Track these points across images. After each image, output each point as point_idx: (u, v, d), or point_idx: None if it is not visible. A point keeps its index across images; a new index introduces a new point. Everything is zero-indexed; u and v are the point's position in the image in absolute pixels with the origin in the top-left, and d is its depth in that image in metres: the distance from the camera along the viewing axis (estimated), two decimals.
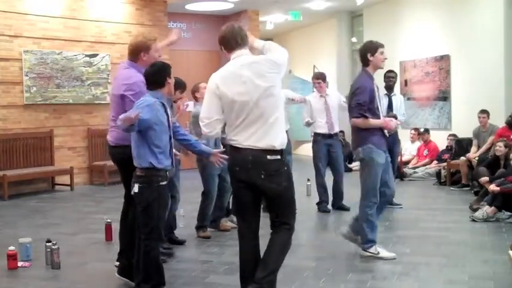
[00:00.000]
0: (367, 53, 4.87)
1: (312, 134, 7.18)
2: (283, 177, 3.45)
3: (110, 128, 4.25)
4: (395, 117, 7.02)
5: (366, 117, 4.74)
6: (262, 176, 3.41)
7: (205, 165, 5.63)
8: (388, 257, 4.85)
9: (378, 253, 4.86)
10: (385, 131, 4.88)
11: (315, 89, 7.28)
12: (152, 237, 3.81)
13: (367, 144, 4.78)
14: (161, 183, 3.81)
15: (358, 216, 4.96)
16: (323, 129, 6.99)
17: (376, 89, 4.87)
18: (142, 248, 3.81)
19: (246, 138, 3.41)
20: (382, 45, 4.94)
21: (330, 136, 7.04)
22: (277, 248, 3.51)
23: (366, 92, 4.74)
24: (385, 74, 7.30)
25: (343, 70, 12.92)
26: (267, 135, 3.38)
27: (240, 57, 3.47)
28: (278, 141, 3.41)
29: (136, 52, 4.12)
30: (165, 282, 3.95)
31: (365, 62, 4.90)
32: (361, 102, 4.73)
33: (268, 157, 3.39)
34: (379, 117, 4.83)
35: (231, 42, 3.50)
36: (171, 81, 3.92)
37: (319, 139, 7.04)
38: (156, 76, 3.83)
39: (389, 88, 7.22)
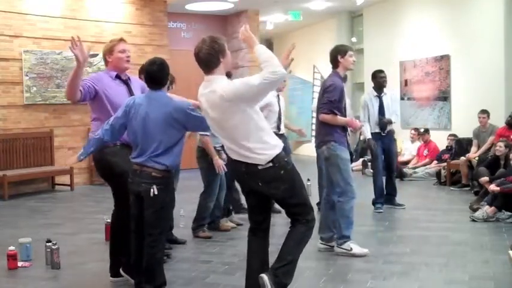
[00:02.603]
0: (338, 54, 5.06)
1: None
2: (281, 181, 3.42)
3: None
4: (389, 122, 7.07)
5: (335, 114, 4.89)
6: (260, 184, 3.45)
7: (211, 163, 5.64)
8: (360, 254, 4.89)
9: (351, 249, 4.91)
10: (349, 130, 5.11)
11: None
12: (161, 239, 3.81)
13: (330, 141, 4.92)
14: (172, 185, 3.85)
15: (324, 216, 5.12)
16: None
17: (344, 89, 5.07)
18: (149, 249, 3.77)
19: (235, 157, 3.49)
20: (351, 49, 5.18)
21: None
22: (293, 239, 3.52)
23: (337, 90, 4.93)
24: (375, 75, 7.21)
25: None
26: (251, 156, 3.40)
27: (205, 83, 3.47)
28: (263, 158, 3.38)
29: (104, 57, 4.33)
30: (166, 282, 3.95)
31: (335, 64, 5.09)
32: (332, 100, 4.90)
33: (260, 167, 3.40)
34: (345, 116, 5.01)
35: (201, 66, 3.48)
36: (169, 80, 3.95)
37: None
38: (159, 76, 3.80)
39: (379, 88, 7.16)
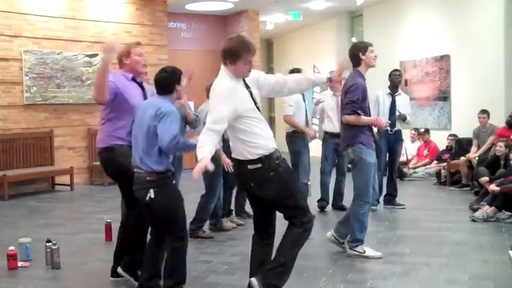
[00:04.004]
0: (359, 52, 4.89)
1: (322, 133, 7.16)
2: (271, 183, 3.42)
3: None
4: (404, 118, 7.07)
5: (359, 114, 4.78)
6: (252, 185, 3.47)
7: (216, 165, 5.60)
8: (374, 256, 4.87)
9: (364, 252, 4.89)
10: (374, 129, 5.02)
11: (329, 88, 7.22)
12: (180, 236, 3.81)
13: (356, 144, 4.82)
14: (173, 182, 3.84)
15: (350, 214, 5.02)
16: (332, 128, 6.97)
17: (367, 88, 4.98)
18: (170, 247, 3.80)
19: (233, 154, 3.55)
20: (371, 44, 4.99)
21: (338, 135, 7.04)
22: (287, 241, 3.51)
23: (359, 90, 4.80)
24: (391, 73, 7.28)
25: None
26: (242, 151, 3.43)
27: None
28: (251, 154, 3.41)
29: (119, 58, 4.28)
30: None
31: (357, 62, 4.93)
32: (354, 100, 4.78)
33: (249, 167, 3.42)
34: (369, 116, 4.92)
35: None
36: (181, 88, 3.85)
37: (327, 138, 7.04)
38: (165, 82, 3.78)
39: (394, 87, 7.20)
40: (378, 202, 7.05)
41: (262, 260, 3.59)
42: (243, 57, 3.40)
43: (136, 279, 4.12)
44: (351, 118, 4.79)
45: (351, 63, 3.96)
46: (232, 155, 3.56)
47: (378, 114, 7.06)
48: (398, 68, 11.00)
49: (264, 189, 3.44)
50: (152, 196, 3.69)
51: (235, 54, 3.39)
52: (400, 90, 7.32)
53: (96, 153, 10.09)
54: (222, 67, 3.50)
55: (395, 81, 7.21)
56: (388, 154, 7.14)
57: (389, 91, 7.18)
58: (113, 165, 4.14)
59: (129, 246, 4.17)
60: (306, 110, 6.75)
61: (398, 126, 7.14)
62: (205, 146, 3.28)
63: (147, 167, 3.71)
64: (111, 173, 4.28)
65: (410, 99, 10.85)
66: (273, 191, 3.43)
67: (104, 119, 4.20)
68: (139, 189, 3.77)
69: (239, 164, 3.49)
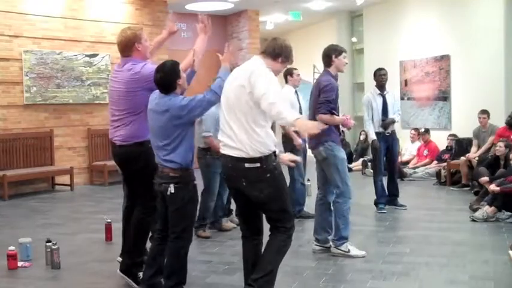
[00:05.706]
0: (332, 54, 5.05)
1: None
2: (265, 184, 3.40)
3: (116, 127, 4.11)
4: (393, 121, 7.04)
5: (333, 114, 4.85)
6: (244, 184, 3.43)
7: (209, 163, 5.64)
8: (358, 255, 4.88)
9: (349, 251, 4.90)
10: (341, 128, 5.14)
11: None
12: (184, 236, 3.82)
13: (328, 142, 4.86)
14: (195, 182, 3.83)
15: (319, 216, 5.08)
16: None
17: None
18: (172, 246, 3.80)
19: (226, 150, 3.49)
20: (346, 51, 5.18)
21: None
22: (272, 248, 3.50)
23: (334, 90, 4.93)
24: (376, 73, 7.20)
25: None
26: (246, 145, 3.38)
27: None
28: (253, 149, 3.37)
29: (130, 44, 4.05)
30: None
31: (328, 63, 5.10)
32: (330, 100, 4.87)
33: (246, 165, 3.38)
34: (338, 116, 5.01)
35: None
36: (182, 81, 3.77)
37: None
38: (164, 83, 3.72)
39: (381, 87, 7.14)
40: (385, 204, 7.01)
41: (254, 261, 3.58)
42: (287, 63, 3.70)
43: (136, 281, 4.13)
44: (326, 117, 4.81)
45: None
46: (224, 151, 3.48)
47: (373, 116, 7.03)
48: (398, 68, 11.09)
49: (255, 190, 3.41)
50: (172, 191, 3.69)
51: (288, 57, 3.67)
52: (387, 89, 7.22)
53: (95, 153, 10.10)
54: (260, 59, 3.58)
55: (380, 81, 7.12)
56: (386, 156, 7.11)
57: (378, 91, 7.12)
58: (144, 158, 3.97)
59: (131, 247, 4.16)
60: (300, 110, 6.54)
61: (392, 127, 7.10)
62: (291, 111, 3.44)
63: (171, 163, 3.69)
64: (140, 167, 4.06)
65: (410, 99, 10.95)
66: (265, 193, 3.40)
67: (135, 113, 3.99)
68: (160, 183, 3.77)
69: (234, 161, 3.41)
